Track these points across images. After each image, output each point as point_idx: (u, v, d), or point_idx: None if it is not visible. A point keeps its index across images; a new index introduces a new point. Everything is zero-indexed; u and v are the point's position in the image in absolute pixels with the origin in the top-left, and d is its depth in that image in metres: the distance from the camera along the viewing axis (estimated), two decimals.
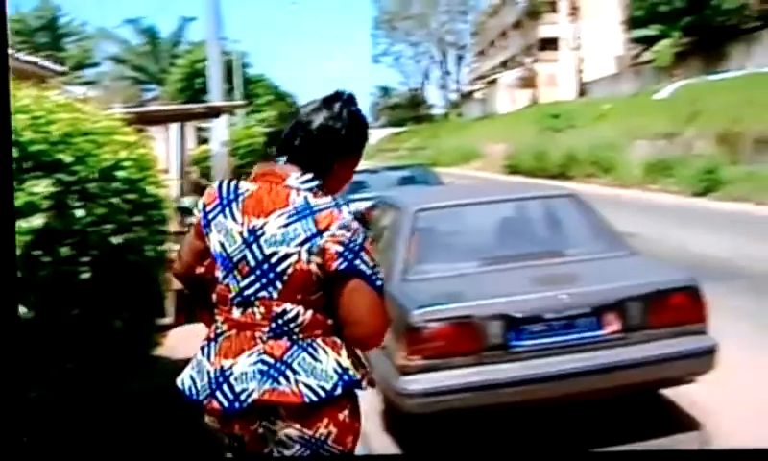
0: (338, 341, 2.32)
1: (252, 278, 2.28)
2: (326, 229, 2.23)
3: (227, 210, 2.33)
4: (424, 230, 5.49)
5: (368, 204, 6.23)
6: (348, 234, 2.24)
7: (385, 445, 4.93)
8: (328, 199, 2.30)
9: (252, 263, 2.28)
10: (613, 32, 43.41)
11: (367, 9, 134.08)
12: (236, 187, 2.35)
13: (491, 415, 4.72)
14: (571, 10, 49.69)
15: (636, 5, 35.02)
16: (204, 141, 27.32)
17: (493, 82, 63.86)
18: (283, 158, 2.38)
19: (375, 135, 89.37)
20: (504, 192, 7.00)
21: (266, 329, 2.29)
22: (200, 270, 2.48)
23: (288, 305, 2.27)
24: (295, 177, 2.31)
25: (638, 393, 5.03)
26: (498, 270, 5.09)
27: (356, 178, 13.30)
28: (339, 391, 2.26)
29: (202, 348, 2.44)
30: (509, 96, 59.40)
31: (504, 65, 67.75)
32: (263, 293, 2.28)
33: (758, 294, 8.40)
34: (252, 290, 2.29)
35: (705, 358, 4.73)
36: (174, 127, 14.79)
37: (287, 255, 2.25)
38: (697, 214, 16.67)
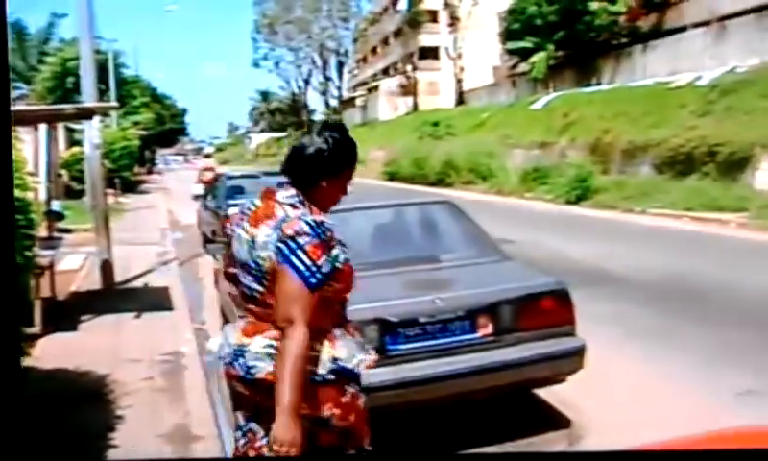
0: (336, 333, 2.78)
1: (251, 277, 2.74)
2: (284, 233, 2.63)
3: (242, 223, 2.79)
4: None
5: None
6: (295, 237, 2.60)
7: None
8: (299, 212, 2.69)
9: (252, 265, 2.72)
10: (492, 43, 44.47)
11: (247, 11, 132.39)
12: (251, 203, 2.82)
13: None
14: (451, 20, 50.66)
15: (513, 18, 36.02)
16: (75, 143, 26.40)
17: (375, 88, 64.40)
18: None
19: (255, 140, 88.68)
20: (382, 199, 7.05)
21: (267, 315, 2.70)
22: (233, 270, 2.90)
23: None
24: (282, 194, 2.74)
25: (511, 393, 5.16)
26: (375, 275, 5.11)
27: (235, 183, 13.13)
28: (332, 377, 2.70)
29: (234, 324, 2.93)
30: (390, 103, 60.04)
31: (385, 72, 68.45)
32: (259, 289, 2.72)
33: (625, 298, 8.79)
34: (252, 287, 2.75)
35: (574, 358, 4.89)
36: (42, 128, 14.19)
37: (267, 258, 2.66)
38: (569, 221, 17.29)
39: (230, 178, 14.57)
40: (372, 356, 2.88)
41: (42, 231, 8.88)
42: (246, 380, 2.74)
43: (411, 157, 32.07)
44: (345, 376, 2.74)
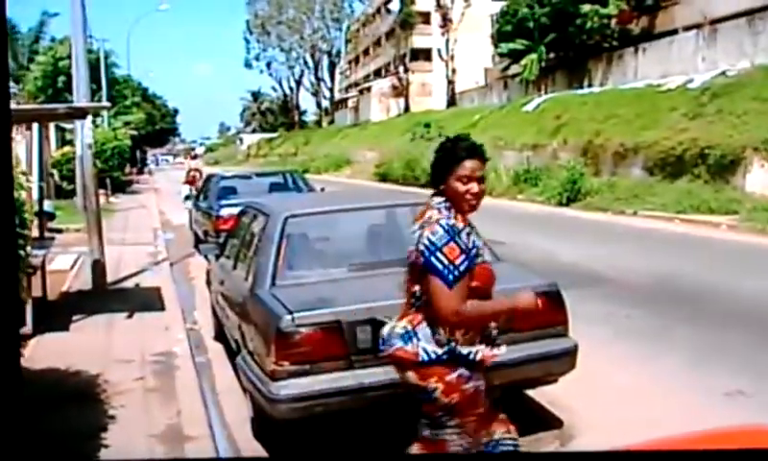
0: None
1: (405, 268, 3.40)
2: (422, 234, 3.20)
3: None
4: (294, 237, 5.49)
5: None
6: (432, 238, 3.16)
7: (256, 449, 4.89)
8: (441, 216, 3.21)
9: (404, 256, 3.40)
10: (484, 45, 44.55)
11: (240, 11, 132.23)
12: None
13: (361, 418, 4.74)
14: (443, 22, 50.72)
15: (505, 20, 36.08)
16: (67, 143, 26.32)
17: (367, 90, 64.43)
18: None
19: (246, 141, 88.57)
20: (373, 200, 7.08)
21: (410, 303, 3.35)
22: None
23: (416, 287, 3.30)
24: (435, 200, 3.29)
25: (503, 393, 5.17)
26: (367, 276, 5.13)
27: (227, 183, 13.14)
28: (445, 357, 3.21)
29: None
30: (381, 104, 60.06)
31: (377, 74, 68.52)
32: (406, 277, 3.39)
33: (616, 300, 8.82)
34: (404, 277, 3.42)
35: (566, 359, 4.92)
36: (35, 127, 14.16)
37: (413, 251, 3.26)
38: (561, 223, 17.33)
39: (223, 178, 14.58)
40: (497, 351, 3.38)
41: (34, 231, 8.85)
42: (383, 353, 3.43)
43: (402, 158, 32.06)
44: (457, 359, 3.23)
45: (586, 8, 31.23)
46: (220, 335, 7.23)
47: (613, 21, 31.36)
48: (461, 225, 3.21)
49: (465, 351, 3.24)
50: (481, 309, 3.27)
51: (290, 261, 5.25)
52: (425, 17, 58.43)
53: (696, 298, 8.81)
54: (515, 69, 37.16)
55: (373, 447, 4.75)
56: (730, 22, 25.05)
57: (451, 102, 48.07)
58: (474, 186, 3.22)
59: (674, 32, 28.56)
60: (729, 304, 8.42)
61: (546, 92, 33.43)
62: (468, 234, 3.23)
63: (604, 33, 31.81)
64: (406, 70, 59.65)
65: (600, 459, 2.19)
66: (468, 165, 3.23)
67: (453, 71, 49.41)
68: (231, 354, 6.17)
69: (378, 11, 70.20)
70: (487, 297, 3.33)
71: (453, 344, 3.22)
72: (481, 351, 3.29)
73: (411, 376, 3.28)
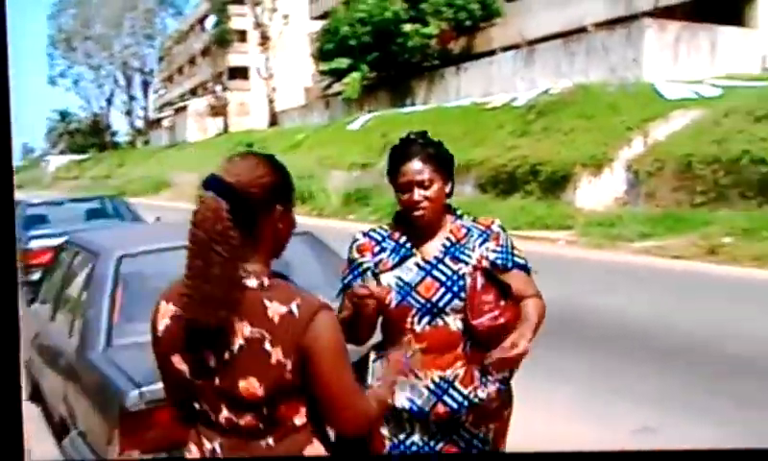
0: None
1: None
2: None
3: None
4: (132, 281, 4.37)
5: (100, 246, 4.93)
6: None
7: None
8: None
9: None
10: (303, 63, 43.99)
11: (42, 25, 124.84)
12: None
13: None
14: (262, 40, 49.69)
15: (326, 38, 35.64)
16: None
17: (182, 109, 62.14)
18: None
19: (53, 163, 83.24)
20: None
21: None
22: None
23: None
24: None
25: None
26: None
27: (35, 211, 11.23)
28: None
29: None
30: (199, 124, 58.08)
31: (193, 93, 66.33)
32: None
33: None
34: None
35: None
36: None
37: None
38: None
39: (30, 205, 12.82)
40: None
41: None
42: None
43: None
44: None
45: (407, 27, 31.32)
46: (35, 395, 5.92)
47: (434, 41, 31.64)
48: (383, 232, 2.75)
49: None
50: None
51: (128, 313, 4.11)
52: (242, 35, 57.18)
53: (567, 322, 8.37)
54: (336, 88, 36.81)
55: None
56: (547, 43, 25.80)
57: (272, 121, 47.05)
58: (415, 194, 2.61)
59: (493, 52, 29.16)
60: (595, 326, 8.06)
61: (369, 111, 33.23)
62: (384, 249, 2.69)
63: (425, 52, 32.05)
64: (224, 89, 58.04)
65: (600, 459, 2.07)
66: (405, 169, 2.66)
67: (273, 90, 48.43)
68: (54, 427, 4.96)
69: (192, 28, 68.10)
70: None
71: None
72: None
73: None
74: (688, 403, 5.66)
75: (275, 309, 1.81)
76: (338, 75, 35.53)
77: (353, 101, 34.82)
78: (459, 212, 2.77)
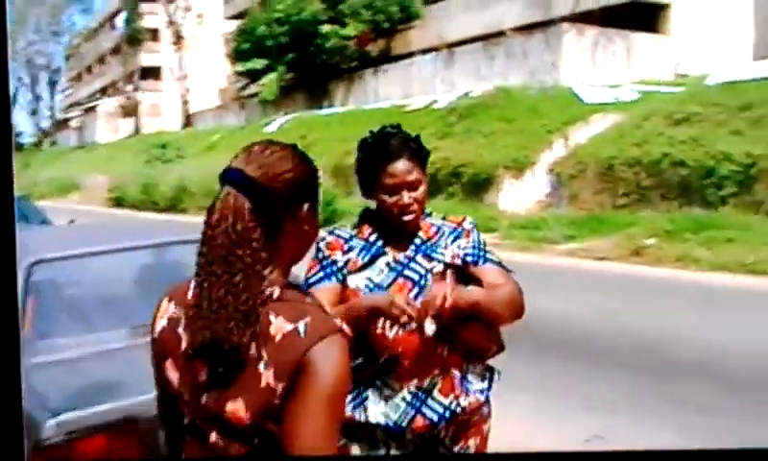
0: None
1: None
2: None
3: None
4: (45, 291, 3.87)
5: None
6: None
7: None
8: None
9: None
10: (218, 64, 43.15)
11: None
12: None
13: None
14: (175, 39, 48.52)
15: (242, 38, 35.00)
16: None
17: (92, 109, 60.25)
18: None
19: None
20: (147, 236, 5.38)
21: None
22: None
23: None
24: None
25: None
26: (140, 346, 3.70)
27: None
28: None
29: None
30: (109, 125, 56.47)
31: (103, 92, 64.40)
32: None
33: None
34: None
35: None
36: None
37: None
38: None
39: None
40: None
41: None
42: None
43: (139, 182, 29.77)
44: None
45: (325, 28, 31.00)
46: None
47: (352, 43, 31.40)
48: (349, 231, 2.49)
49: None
50: None
51: (43, 327, 3.60)
52: (154, 34, 55.79)
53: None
54: (252, 89, 36.19)
55: None
56: (466, 46, 25.86)
57: (186, 123, 46.00)
58: (404, 196, 2.37)
59: (411, 54, 29.10)
60: (529, 329, 7.87)
61: (286, 113, 32.77)
62: (352, 248, 2.44)
63: (344, 53, 31.76)
64: (135, 89, 56.50)
65: (600, 459, 2.02)
66: (393, 170, 2.37)
67: (187, 91, 47.35)
68: None
69: (102, 25, 66.15)
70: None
71: None
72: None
73: None
74: (639, 408, 5.53)
75: (278, 326, 1.53)
76: (254, 76, 34.97)
77: (270, 102, 34.29)
78: (428, 210, 2.54)
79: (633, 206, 14.35)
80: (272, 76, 33.67)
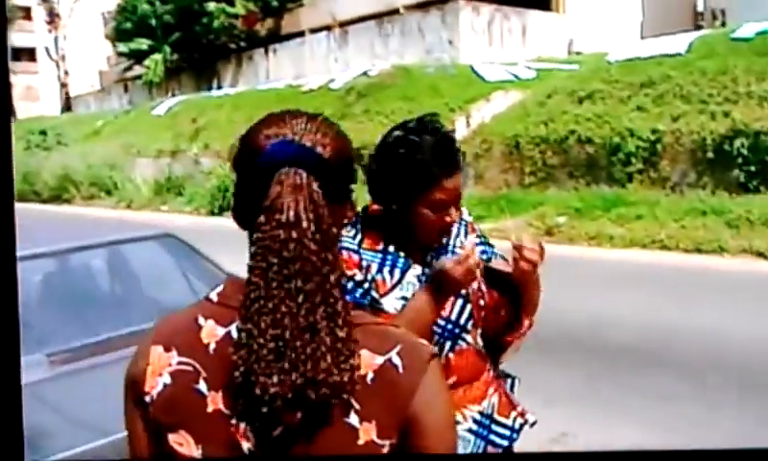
0: None
1: None
2: None
3: None
4: None
5: None
6: None
7: None
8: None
9: None
10: (98, 44, 41.26)
11: None
12: None
13: None
14: (50, 18, 46.01)
15: (124, 16, 33.51)
16: None
17: None
18: None
19: None
20: (66, 233, 4.77)
21: None
22: None
23: None
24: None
25: None
26: (86, 370, 3.17)
27: None
28: None
29: None
30: None
31: None
32: None
33: None
34: None
35: None
36: None
37: None
38: (215, 234, 15.81)
39: None
40: None
41: None
42: None
43: (18, 170, 28.06)
44: None
45: (211, 6, 30.00)
46: None
47: (240, 22, 30.49)
48: (352, 241, 2.03)
49: None
50: None
51: None
52: (27, 12, 52.87)
53: None
54: (136, 70, 34.75)
55: None
56: (359, 25, 25.45)
57: (66, 107, 43.81)
58: (451, 213, 2.01)
59: (302, 34, 28.47)
60: None
61: (173, 95, 31.61)
62: (369, 265, 2.02)
63: (232, 33, 30.84)
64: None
65: (600, 459, 1.78)
66: (451, 184, 1.98)
67: (66, 73, 45.05)
68: None
69: None
70: None
71: None
72: None
73: None
74: (597, 399, 5.33)
75: (365, 361, 1.14)
76: (138, 57, 33.62)
77: (156, 85, 33.04)
78: None
79: (540, 184, 14.32)
80: (156, 57, 32.47)
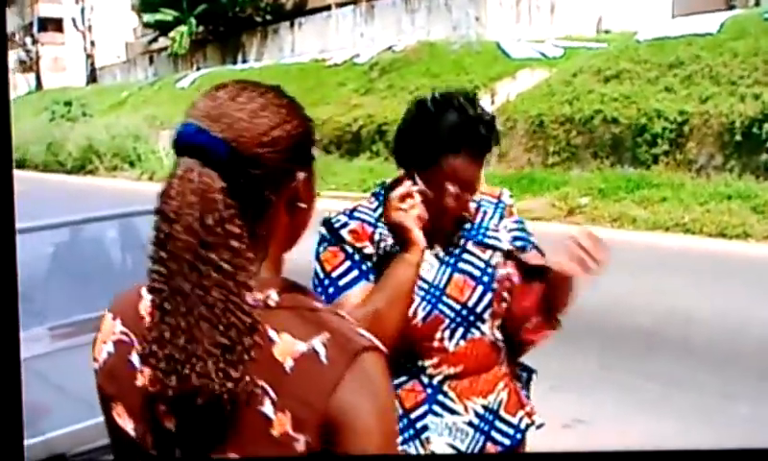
0: None
1: None
2: None
3: None
4: None
5: None
6: None
7: None
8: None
9: None
10: (124, 16, 41.33)
11: None
12: None
13: None
14: None
15: None
16: None
17: None
18: None
19: None
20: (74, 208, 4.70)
21: None
22: None
23: None
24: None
25: None
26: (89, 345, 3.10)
27: None
28: None
29: None
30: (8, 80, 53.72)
31: None
32: None
33: None
34: None
35: None
36: None
37: None
38: None
39: None
40: None
41: None
42: None
43: (42, 141, 28.20)
44: None
45: None
46: None
47: None
48: (371, 213, 1.92)
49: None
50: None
51: None
52: None
53: None
54: (162, 42, 34.78)
55: None
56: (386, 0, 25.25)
57: (92, 78, 43.98)
58: (452, 196, 1.86)
59: (328, 7, 28.28)
60: None
61: (198, 68, 31.61)
62: (384, 238, 1.88)
63: (257, 6, 30.78)
64: (34, 42, 53.69)
65: (600, 459, 1.72)
66: (447, 166, 1.84)
67: (92, 44, 45.20)
68: None
69: None
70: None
71: None
72: None
73: None
74: (612, 385, 5.23)
75: (285, 347, 1.04)
76: (163, 28, 33.60)
77: (181, 57, 33.06)
78: None
79: (563, 164, 14.12)
80: (182, 29, 32.42)
